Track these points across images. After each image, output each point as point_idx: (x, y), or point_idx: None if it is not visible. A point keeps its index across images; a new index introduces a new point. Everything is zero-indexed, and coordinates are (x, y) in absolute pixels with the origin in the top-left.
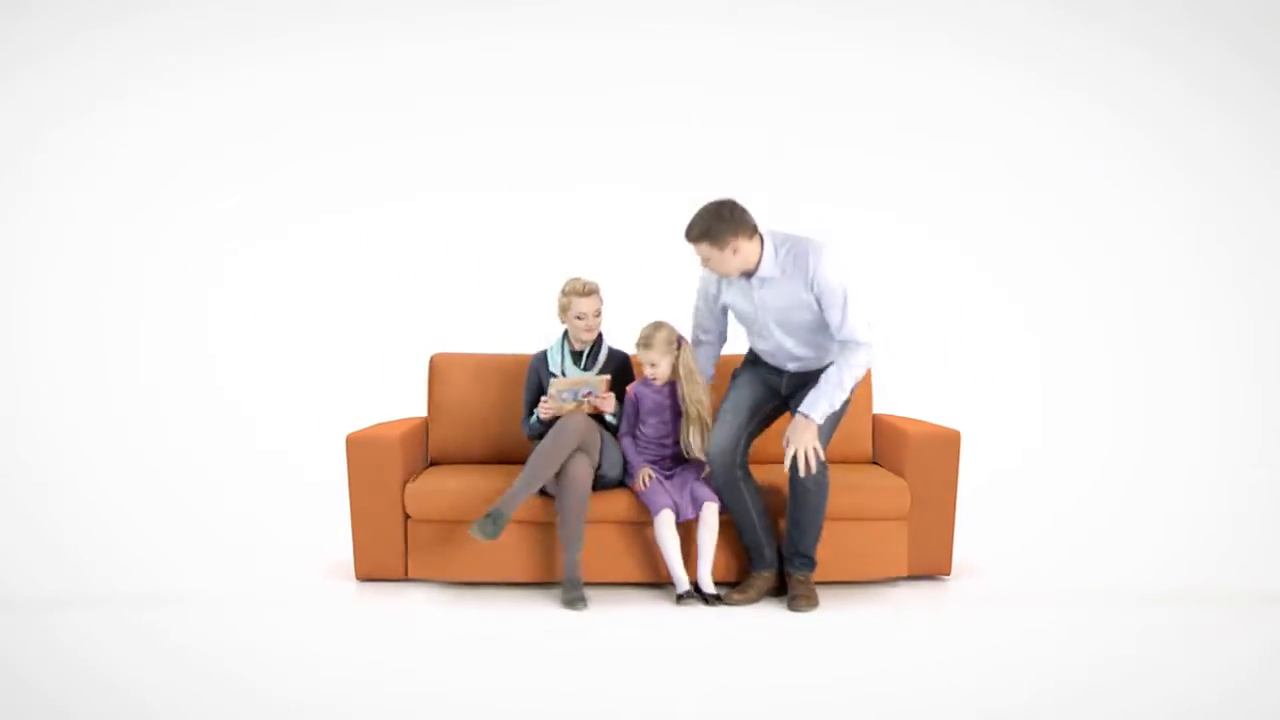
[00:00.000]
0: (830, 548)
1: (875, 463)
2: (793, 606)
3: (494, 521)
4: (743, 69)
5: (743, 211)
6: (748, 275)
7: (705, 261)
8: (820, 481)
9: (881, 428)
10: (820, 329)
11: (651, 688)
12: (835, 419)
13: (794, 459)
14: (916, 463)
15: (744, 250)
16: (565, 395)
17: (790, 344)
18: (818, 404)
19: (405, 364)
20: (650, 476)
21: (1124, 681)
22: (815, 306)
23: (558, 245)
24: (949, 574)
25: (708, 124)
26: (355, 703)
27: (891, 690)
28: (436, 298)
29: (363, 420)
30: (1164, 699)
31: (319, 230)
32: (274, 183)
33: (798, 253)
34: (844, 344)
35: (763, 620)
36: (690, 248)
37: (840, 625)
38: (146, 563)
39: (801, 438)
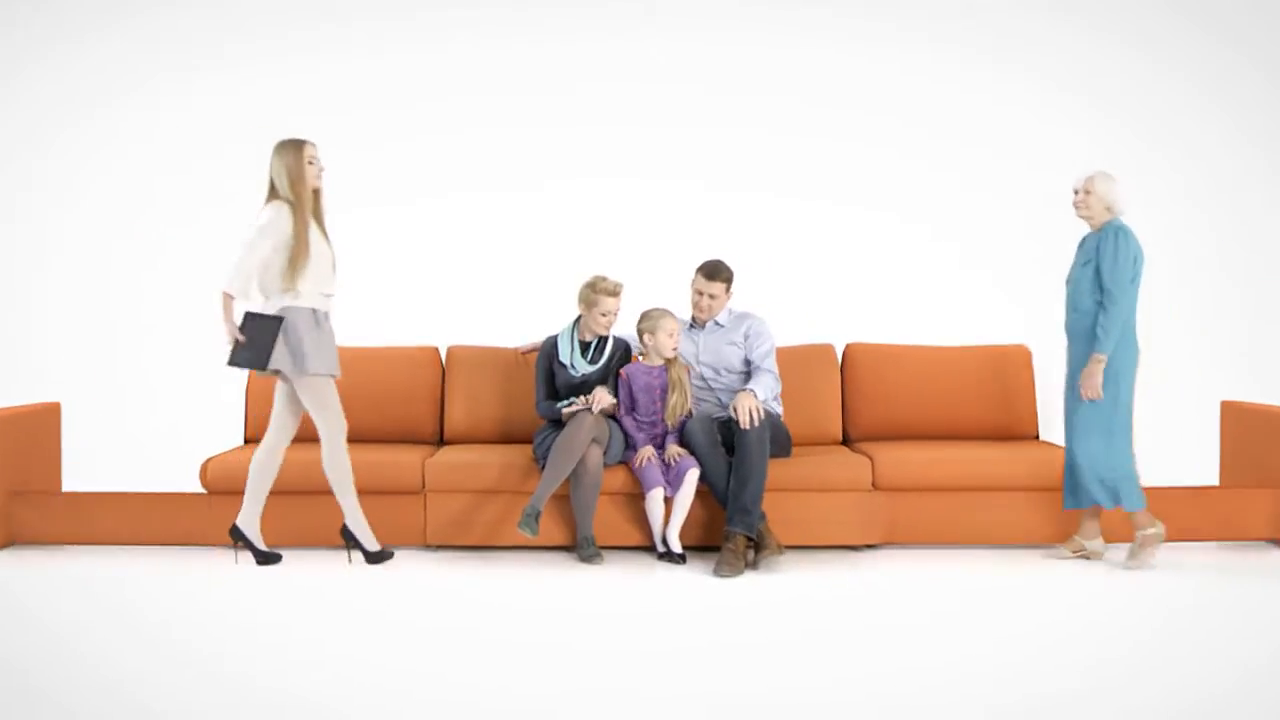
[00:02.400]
0: (802, 516)
1: (844, 443)
2: (717, 571)
3: (535, 518)
4: (743, 69)
5: None
6: (700, 325)
7: (710, 299)
8: (762, 438)
9: (1235, 412)
10: (735, 365)
11: (663, 644)
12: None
13: (742, 424)
14: None
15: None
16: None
17: (708, 375)
18: (756, 386)
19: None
20: (650, 458)
21: None
22: (741, 349)
23: (556, 244)
24: None
25: (707, 124)
26: (368, 663)
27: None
28: (443, 295)
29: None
30: None
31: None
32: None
33: (739, 315)
34: (761, 371)
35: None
36: (703, 282)
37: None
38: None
39: (745, 400)
